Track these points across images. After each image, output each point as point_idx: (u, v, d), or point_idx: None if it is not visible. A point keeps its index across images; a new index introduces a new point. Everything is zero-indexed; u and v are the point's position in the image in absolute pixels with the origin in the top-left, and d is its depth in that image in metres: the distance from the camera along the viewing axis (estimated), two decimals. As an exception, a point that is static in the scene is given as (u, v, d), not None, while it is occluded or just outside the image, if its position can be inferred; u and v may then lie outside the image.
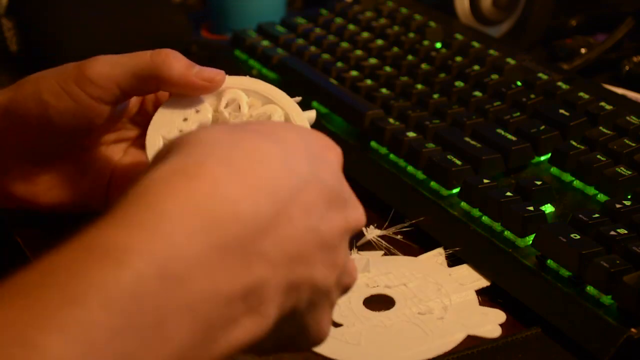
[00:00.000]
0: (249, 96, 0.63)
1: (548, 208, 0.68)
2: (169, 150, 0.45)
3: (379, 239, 0.70)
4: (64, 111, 0.62)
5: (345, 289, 0.51)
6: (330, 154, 0.50)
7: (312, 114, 0.64)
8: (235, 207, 0.42)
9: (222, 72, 0.62)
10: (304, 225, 0.45)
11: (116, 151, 0.69)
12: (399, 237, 0.70)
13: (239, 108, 0.62)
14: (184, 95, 0.62)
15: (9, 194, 0.67)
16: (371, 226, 0.70)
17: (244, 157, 0.45)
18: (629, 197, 0.66)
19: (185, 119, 0.61)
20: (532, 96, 0.78)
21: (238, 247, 0.42)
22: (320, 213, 0.46)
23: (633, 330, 0.57)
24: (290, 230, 0.45)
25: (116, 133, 0.68)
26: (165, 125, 0.61)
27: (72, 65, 0.63)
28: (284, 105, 0.62)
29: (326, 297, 0.48)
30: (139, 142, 0.69)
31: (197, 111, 0.62)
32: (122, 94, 0.62)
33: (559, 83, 0.79)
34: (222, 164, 0.43)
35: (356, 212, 0.50)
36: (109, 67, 0.62)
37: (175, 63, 0.61)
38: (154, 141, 0.61)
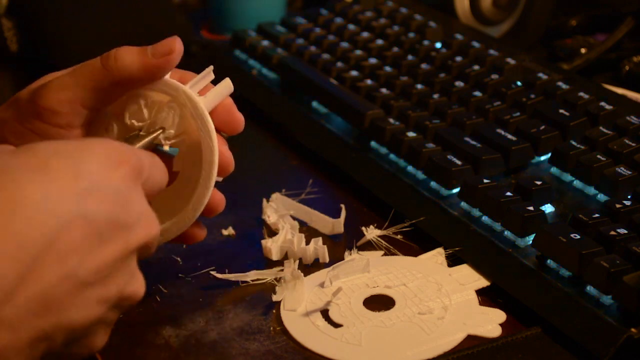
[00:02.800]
0: (150, 95, 0.61)
1: (548, 208, 0.68)
2: None
3: (379, 239, 0.70)
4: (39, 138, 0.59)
5: (128, 306, 0.51)
6: (116, 172, 0.49)
7: (221, 88, 0.61)
8: None
9: (174, 38, 0.59)
10: (57, 275, 0.45)
11: None
12: (399, 237, 0.70)
13: (140, 112, 0.61)
14: None
15: None
16: (371, 226, 0.71)
17: None
18: (629, 197, 0.66)
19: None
20: (532, 96, 0.78)
21: None
22: (81, 255, 0.46)
23: (633, 330, 0.57)
24: (38, 286, 0.44)
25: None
26: None
27: (24, 100, 0.59)
28: (177, 97, 0.60)
29: (91, 330, 0.49)
30: None
31: (106, 130, 0.61)
32: (90, 111, 0.59)
33: (559, 83, 0.79)
34: None
35: (142, 230, 0.50)
36: (64, 91, 0.58)
37: (128, 58, 0.58)
38: None
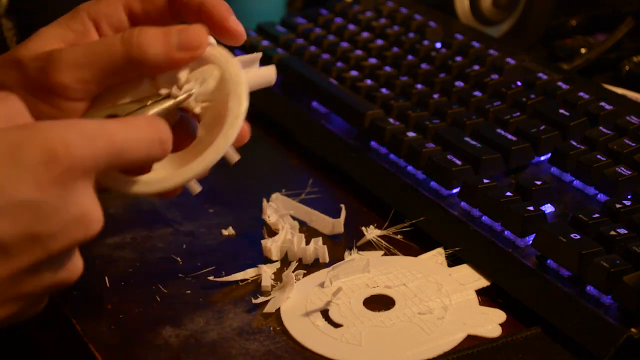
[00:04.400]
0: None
1: (548, 208, 0.68)
2: None
3: (379, 239, 0.70)
4: (37, 115, 0.56)
5: (63, 287, 0.52)
6: (40, 180, 0.47)
7: (260, 72, 0.61)
8: None
9: (200, 30, 0.58)
10: None
11: None
12: (399, 237, 0.70)
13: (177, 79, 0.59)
14: None
15: None
16: (371, 226, 0.71)
17: None
18: (629, 197, 0.66)
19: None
20: (532, 96, 0.78)
21: None
22: None
23: (633, 330, 0.57)
24: None
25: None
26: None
27: (33, 68, 0.57)
28: (222, 64, 0.59)
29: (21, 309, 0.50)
30: None
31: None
32: (101, 88, 0.58)
33: (559, 83, 0.79)
34: None
35: (68, 235, 0.49)
36: (80, 70, 0.56)
37: (152, 50, 0.56)
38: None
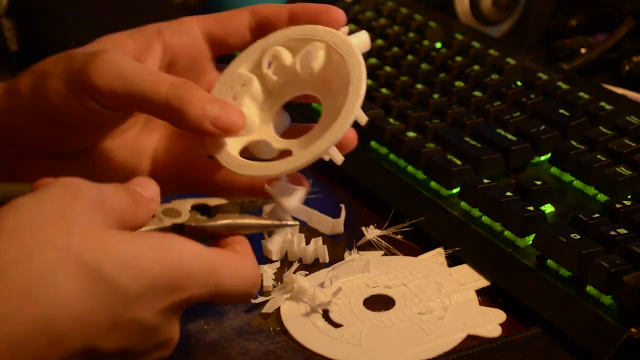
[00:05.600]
0: (289, 45, 0.60)
1: (548, 208, 0.68)
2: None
3: (379, 239, 0.70)
4: (73, 112, 0.57)
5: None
6: (155, 303, 0.49)
7: (361, 36, 0.60)
8: None
9: (242, 115, 0.57)
10: None
11: (151, 138, 0.63)
12: (399, 237, 0.70)
13: (282, 62, 0.60)
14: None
15: None
16: (371, 226, 0.71)
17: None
18: (629, 197, 0.66)
19: (234, 98, 0.59)
20: (532, 96, 0.78)
21: None
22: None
23: (633, 330, 0.57)
24: None
25: (143, 118, 0.63)
26: None
27: (78, 64, 0.56)
28: (325, 38, 0.59)
29: None
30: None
31: (243, 84, 0.59)
32: (131, 113, 0.58)
33: (559, 83, 0.79)
34: None
35: (156, 354, 0.52)
36: (115, 81, 0.55)
37: (194, 103, 0.55)
38: None
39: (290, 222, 0.60)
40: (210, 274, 0.51)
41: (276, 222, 0.59)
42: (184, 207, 0.57)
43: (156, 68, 0.60)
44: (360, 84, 0.57)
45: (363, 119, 0.58)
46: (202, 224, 0.57)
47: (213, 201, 0.58)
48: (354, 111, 0.57)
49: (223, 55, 0.64)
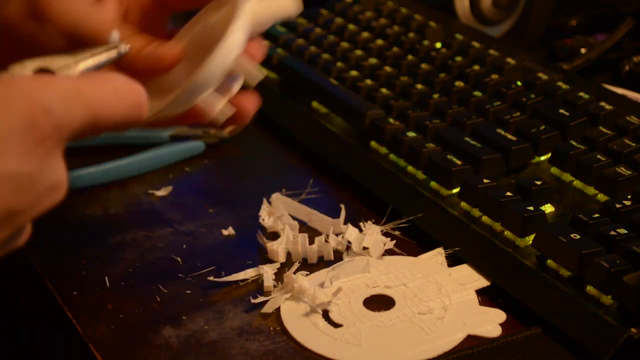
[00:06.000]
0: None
1: (548, 208, 0.68)
2: None
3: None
4: (30, 33, 0.58)
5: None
6: (17, 152, 0.45)
7: (279, 3, 0.60)
8: None
9: (175, 49, 0.58)
10: None
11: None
12: (397, 233, 0.70)
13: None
14: None
15: None
16: (369, 222, 0.70)
17: None
18: (629, 197, 0.66)
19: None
20: (532, 96, 0.78)
21: None
22: None
23: (633, 330, 0.57)
24: None
25: None
26: None
27: None
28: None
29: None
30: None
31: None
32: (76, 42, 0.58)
33: (559, 83, 0.79)
34: None
35: (44, 203, 0.47)
36: (64, 14, 0.57)
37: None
38: None
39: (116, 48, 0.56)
40: (72, 98, 0.46)
41: (112, 53, 0.55)
42: (24, 71, 0.51)
43: (111, 17, 0.61)
44: (236, 24, 0.56)
45: (255, 77, 0.58)
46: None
47: (55, 63, 0.53)
48: (224, 48, 0.55)
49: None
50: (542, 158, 0.73)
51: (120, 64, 0.56)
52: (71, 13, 0.58)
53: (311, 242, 0.68)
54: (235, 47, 0.56)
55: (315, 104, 0.86)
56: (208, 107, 0.57)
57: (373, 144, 0.79)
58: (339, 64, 0.89)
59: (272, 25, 0.63)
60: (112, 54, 0.55)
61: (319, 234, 0.70)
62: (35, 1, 0.58)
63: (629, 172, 0.68)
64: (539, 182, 0.68)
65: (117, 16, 0.62)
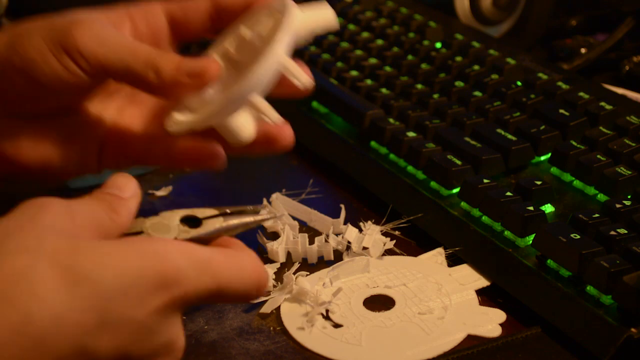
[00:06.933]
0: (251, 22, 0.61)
1: (548, 208, 0.68)
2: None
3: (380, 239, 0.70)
4: (51, 71, 0.58)
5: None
6: (146, 304, 0.48)
7: (322, 15, 0.61)
8: None
9: (216, 62, 0.59)
10: None
11: (109, 111, 0.64)
12: (396, 232, 0.70)
13: (241, 37, 0.61)
14: None
15: None
16: (369, 222, 0.70)
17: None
18: (629, 197, 0.66)
19: None
20: (532, 96, 0.78)
21: None
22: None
23: (633, 330, 0.57)
24: None
25: (107, 90, 0.64)
26: None
27: (60, 23, 0.58)
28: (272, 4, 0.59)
29: None
30: (135, 99, 0.65)
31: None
32: (106, 76, 0.59)
33: (559, 83, 0.79)
34: None
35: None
36: (97, 45, 0.57)
37: (166, 65, 0.57)
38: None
39: (269, 215, 0.61)
40: (203, 268, 0.50)
41: (258, 218, 0.59)
42: (173, 220, 0.57)
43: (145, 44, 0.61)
44: (284, 32, 0.57)
45: (301, 78, 0.59)
46: (191, 237, 0.56)
47: (201, 212, 0.58)
48: (272, 54, 0.56)
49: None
50: (542, 158, 0.73)
51: (163, 80, 0.57)
52: (107, 45, 0.58)
53: (311, 242, 0.68)
54: (283, 52, 0.57)
55: (315, 104, 0.86)
56: (239, 126, 0.59)
57: (373, 144, 0.79)
58: (339, 63, 0.89)
59: (313, 36, 0.63)
60: (257, 218, 0.60)
61: (319, 234, 0.70)
62: (64, 35, 0.57)
63: (629, 172, 0.68)
64: (539, 182, 0.68)
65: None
